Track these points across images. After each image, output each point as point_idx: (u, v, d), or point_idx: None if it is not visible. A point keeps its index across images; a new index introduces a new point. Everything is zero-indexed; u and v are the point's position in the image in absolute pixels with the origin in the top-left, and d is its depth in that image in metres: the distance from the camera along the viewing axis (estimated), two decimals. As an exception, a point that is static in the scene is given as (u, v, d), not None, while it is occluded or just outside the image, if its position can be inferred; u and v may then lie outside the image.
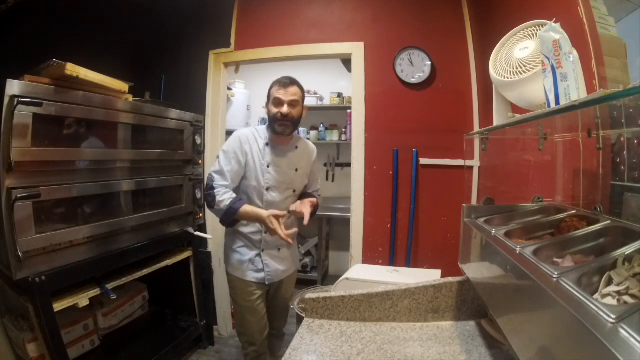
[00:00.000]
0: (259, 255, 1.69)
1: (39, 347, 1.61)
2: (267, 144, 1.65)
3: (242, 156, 1.61)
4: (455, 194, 2.25)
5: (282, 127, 1.59)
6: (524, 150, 1.49)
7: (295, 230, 1.56)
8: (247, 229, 1.68)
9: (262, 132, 1.68)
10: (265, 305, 1.79)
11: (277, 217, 1.49)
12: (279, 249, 1.73)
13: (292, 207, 1.65)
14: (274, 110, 1.58)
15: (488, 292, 0.97)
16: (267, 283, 1.71)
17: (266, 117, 1.70)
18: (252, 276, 1.69)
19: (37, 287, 1.45)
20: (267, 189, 1.64)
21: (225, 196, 1.55)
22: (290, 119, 1.58)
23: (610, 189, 1.02)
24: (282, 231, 1.48)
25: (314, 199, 1.73)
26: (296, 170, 1.71)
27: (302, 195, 1.79)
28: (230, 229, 1.71)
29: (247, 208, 1.55)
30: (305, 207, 1.62)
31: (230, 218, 1.57)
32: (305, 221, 1.58)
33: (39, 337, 1.57)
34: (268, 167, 1.63)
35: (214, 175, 1.60)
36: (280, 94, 1.57)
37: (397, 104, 2.38)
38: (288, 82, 1.59)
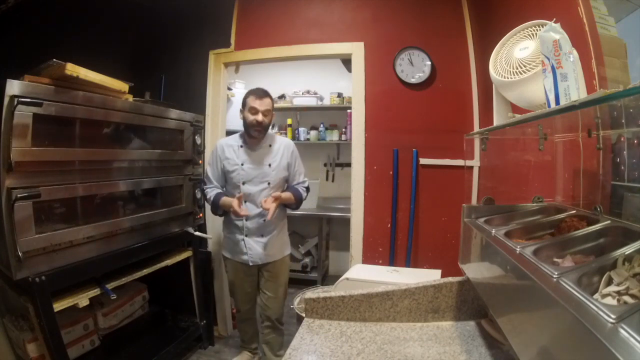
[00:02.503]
0: (243, 240, 1.99)
1: (39, 347, 1.61)
2: (241, 146, 1.97)
3: (219, 162, 1.99)
4: (455, 194, 2.25)
5: (257, 132, 1.90)
6: (524, 150, 1.49)
7: (246, 212, 1.86)
8: (233, 217, 1.98)
9: (235, 139, 2.01)
10: (254, 287, 2.11)
11: (239, 199, 1.83)
12: (262, 235, 2.00)
13: (263, 204, 1.86)
14: (250, 117, 1.88)
15: (488, 292, 0.97)
16: (250, 264, 2.00)
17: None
18: (237, 257, 2.03)
19: (37, 287, 1.45)
20: (243, 183, 1.95)
21: (211, 193, 2.00)
22: (263, 126, 1.90)
23: (610, 189, 1.02)
24: (237, 209, 1.80)
25: (282, 194, 1.93)
26: (269, 165, 1.97)
27: (287, 188, 2.06)
28: (225, 218, 2.09)
29: (224, 199, 1.93)
30: (268, 204, 1.83)
31: (217, 208, 1.99)
32: (269, 217, 1.82)
33: (39, 337, 1.57)
34: (242, 165, 1.95)
35: (205, 179, 2.09)
36: (257, 104, 1.88)
37: (397, 104, 2.38)
38: (262, 94, 1.90)
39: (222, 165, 1.97)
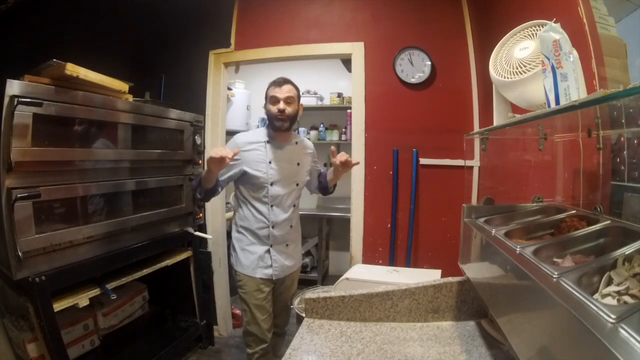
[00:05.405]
0: (268, 251, 1.74)
1: (39, 347, 1.61)
2: (267, 142, 1.74)
3: (238, 157, 1.64)
4: (455, 194, 2.25)
5: (280, 122, 1.68)
6: (524, 150, 1.49)
7: (226, 153, 1.48)
8: (254, 225, 1.74)
9: (261, 133, 1.77)
10: (272, 303, 1.83)
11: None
12: (286, 245, 1.79)
13: (337, 159, 1.70)
14: (272, 108, 1.68)
15: (488, 292, 0.97)
16: (274, 279, 1.77)
17: (265, 117, 1.79)
18: (261, 273, 1.74)
19: (37, 287, 1.45)
20: (271, 184, 1.71)
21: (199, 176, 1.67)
22: (286, 115, 1.68)
23: (610, 189, 1.02)
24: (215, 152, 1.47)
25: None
26: (298, 164, 1.79)
27: (322, 175, 1.94)
28: (236, 227, 1.80)
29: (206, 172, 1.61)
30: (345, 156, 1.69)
31: (199, 185, 1.66)
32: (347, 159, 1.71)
33: (39, 337, 1.57)
34: (270, 163, 1.71)
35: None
36: (276, 92, 1.68)
37: (397, 104, 2.38)
38: (282, 81, 1.71)
39: (243, 159, 1.69)
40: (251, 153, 1.70)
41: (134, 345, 2.14)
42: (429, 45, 2.31)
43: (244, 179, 1.73)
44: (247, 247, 1.75)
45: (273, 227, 1.73)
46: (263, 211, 1.73)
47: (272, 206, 1.72)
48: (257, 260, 1.74)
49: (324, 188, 1.95)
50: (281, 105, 1.66)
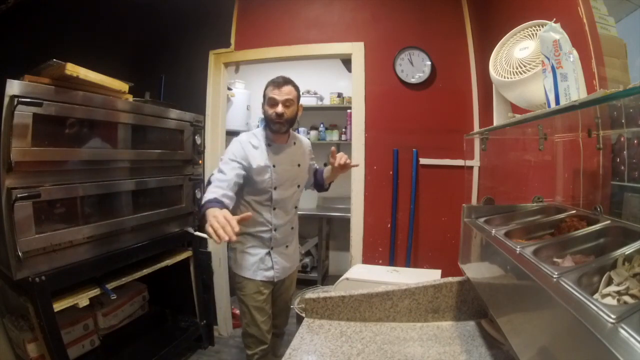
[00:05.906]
0: (268, 253, 1.72)
1: (39, 347, 1.61)
2: (268, 145, 1.68)
3: (244, 160, 1.61)
4: (455, 194, 2.25)
5: (278, 125, 1.62)
6: (524, 150, 1.49)
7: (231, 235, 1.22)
8: (255, 228, 1.70)
9: (260, 134, 1.71)
10: (271, 305, 1.81)
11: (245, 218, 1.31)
12: (286, 246, 1.77)
13: (336, 162, 1.68)
14: (270, 110, 1.62)
15: (488, 292, 0.97)
16: (275, 281, 1.75)
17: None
18: (262, 275, 1.71)
19: (37, 287, 1.45)
20: (275, 188, 1.67)
21: (209, 194, 1.42)
22: (285, 119, 1.61)
23: (610, 189, 1.02)
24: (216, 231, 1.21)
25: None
26: (298, 165, 1.76)
27: (318, 172, 1.93)
28: (241, 230, 1.68)
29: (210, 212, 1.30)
30: (342, 157, 1.68)
31: (203, 217, 1.33)
32: (348, 162, 1.71)
33: (39, 337, 1.57)
34: (274, 167, 1.66)
35: (215, 172, 1.59)
36: (275, 93, 1.60)
37: (397, 104, 2.38)
38: (282, 81, 1.62)
39: (249, 165, 1.62)
40: (255, 157, 1.64)
41: (134, 345, 2.14)
42: (429, 45, 2.31)
43: (246, 182, 1.66)
44: (247, 249, 1.72)
45: (275, 230, 1.70)
46: (265, 215, 1.69)
47: (274, 209, 1.70)
48: (257, 263, 1.70)
49: (319, 185, 1.94)
50: (279, 109, 1.59)
